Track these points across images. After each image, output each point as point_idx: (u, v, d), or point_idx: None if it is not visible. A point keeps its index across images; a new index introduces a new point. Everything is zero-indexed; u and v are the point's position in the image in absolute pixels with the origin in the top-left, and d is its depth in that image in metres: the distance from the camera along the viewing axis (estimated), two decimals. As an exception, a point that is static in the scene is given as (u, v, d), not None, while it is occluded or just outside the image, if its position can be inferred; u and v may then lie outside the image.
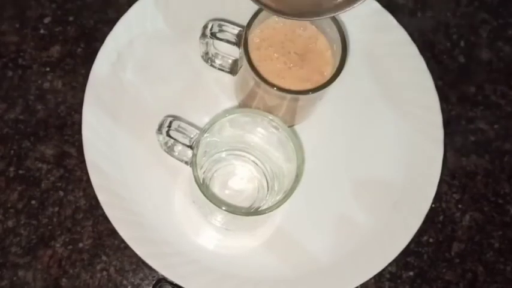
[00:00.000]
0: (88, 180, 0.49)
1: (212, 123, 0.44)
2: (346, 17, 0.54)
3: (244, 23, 0.47)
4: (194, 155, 0.44)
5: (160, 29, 0.55)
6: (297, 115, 0.53)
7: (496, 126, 0.57)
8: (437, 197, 0.53)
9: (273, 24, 0.49)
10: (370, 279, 0.49)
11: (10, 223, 0.50)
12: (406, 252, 0.50)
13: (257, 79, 0.46)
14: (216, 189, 0.51)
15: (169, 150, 0.48)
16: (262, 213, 0.43)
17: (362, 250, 0.50)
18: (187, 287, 0.48)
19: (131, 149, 0.52)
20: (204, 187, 0.43)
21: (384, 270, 0.50)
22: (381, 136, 0.55)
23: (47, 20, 0.56)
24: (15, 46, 0.55)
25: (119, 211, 0.49)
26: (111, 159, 0.51)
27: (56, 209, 0.51)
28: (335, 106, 0.55)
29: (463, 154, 0.56)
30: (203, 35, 0.49)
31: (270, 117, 0.45)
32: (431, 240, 0.53)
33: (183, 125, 0.46)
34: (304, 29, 0.49)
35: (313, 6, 0.43)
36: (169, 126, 0.46)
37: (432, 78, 0.55)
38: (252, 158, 0.50)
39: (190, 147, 0.46)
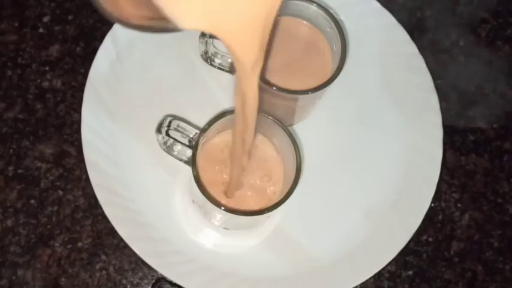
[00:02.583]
0: (87, 179, 0.49)
1: (212, 123, 0.44)
2: (346, 16, 0.54)
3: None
4: (193, 155, 0.43)
5: (159, 28, 0.55)
6: (296, 114, 0.53)
7: (495, 125, 0.57)
8: (437, 196, 0.53)
9: None
10: (370, 278, 0.49)
11: (9, 222, 0.50)
12: (405, 251, 0.50)
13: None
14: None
15: (169, 149, 0.48)
16: (262, 213, 0.43)
17: (361, 249, 0.50)
18: (187, 286, 0.48)
19: (130, 148, 0.52)
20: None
21: (383, 269, 0.50)
22: (380, 135, 0.55)
23: (46, 19, 0.56)
24: (15, 45, 0.55)
25: (118, 210, 0.49)
26: (110, 159, 0.51)
27: (55, 208, 0.51)
28: (334, 106, 0.55)
29: (462, 153, 0.56)
30: (202, 34, 0.49)
31: (269, 117, 0.45)
32: (430, 239, 0.53)
33: (182, 124, 0.46)
34: (303, 29, 0.49)
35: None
36: (168, 126, 0.46)
37: (432, 77, 0.55)
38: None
39: (190, 146, 0.46)
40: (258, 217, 0.44)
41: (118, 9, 0.29)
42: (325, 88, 0.46)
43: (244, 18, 0.31)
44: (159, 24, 0.30)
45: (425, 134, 0.54)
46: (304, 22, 0.50)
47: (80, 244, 0.50)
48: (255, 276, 0.49)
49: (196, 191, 0.43)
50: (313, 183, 0.51)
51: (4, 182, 0.51)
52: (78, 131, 0.51)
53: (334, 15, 0.48)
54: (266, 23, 0.33)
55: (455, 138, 0.57)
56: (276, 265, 0.50)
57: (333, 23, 0.47)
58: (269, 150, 0.47)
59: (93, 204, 0.50)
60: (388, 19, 0.57)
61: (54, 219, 0.50)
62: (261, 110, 0.42)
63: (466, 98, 0.58)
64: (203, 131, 0.44)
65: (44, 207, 0.51)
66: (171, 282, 0.49)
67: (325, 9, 0.48)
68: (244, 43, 0.33)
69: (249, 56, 0.34)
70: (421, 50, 0.56)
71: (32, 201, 0.51)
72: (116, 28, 0.53)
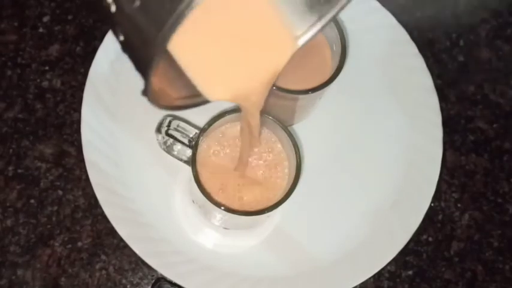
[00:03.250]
0: (87, 179, 0.49)
1: (212, 123, 0.44)
2: (346, 16, 0.54)
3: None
4: (193, 154, 0.43)
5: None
6: (296, 114, 0.53)
7: (495, 125, 0.57)
8: (437, 196, 0.53)
9: None
10: (369, 278, 0.49)
11: (9, 222, 0.50)
12: (405, 251, 0.50)
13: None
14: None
15: (169, 149, 0.48)
16: (261, 213, 0.43)
17: (361, 249, 0.50)
18: (186, 286, 0.48)
19: (130, 148, 0.52)
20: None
21: (383, 269, 0.50)
22: (380, 135, 0.55)
23: (46, 19, 0.56)
24: (14, 45, 0.55)
25: (118, 210, 0.49)
26: (110, 158, 0.51)
27: (55, 208, 0.51)
28: (334, 105, 0.55)
29: (462, 153, 0.56)
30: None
31: (269, 117, 0.45)
32: (430, 239, 0.53)
33: (182, 124, 0.46)
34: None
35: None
36: (168, 126, 0.46)
37: (431, 77, 0.55)
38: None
39: (190, 146, 0.46)
40: (258, 217, 0.44)
41: (164, 98, 0.36)
42: (325, 88, 0.46)
43: (258, 87, 0.39)
44: (193, 101, 0.38)
45: (425, 134, 0.54)
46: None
47: (79, 244, 0.50)
48: (255, 276, 0.49)
49: (196, 191, 0.43)
50: (313, 183, 0.51)
51: (4, 182, 0.51)
52: (78, 130, 0.51)
53: (334, 15, 0.48)
54: (272, 80, 0.40)
55: (455, 138, 0.57)
56: (276, 265, 0.50)
57: (333, 23, 0.47)
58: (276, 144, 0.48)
59: (93, 204, 0.50)
60: (388, 19, 0.57)
61: (54, 219, 0.50)
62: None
63: (466, 98, 0.58)
64: (203, 130, 0.44)
65: (43, 207, 0.51)
66: (171, 282, 0.49)
67: (325, 9, 0.48)
68: (255, 101, 0.40)
69: (257, 106, 0.41)
70: (421, 50, 0.56)
71: (32, 201, 0.51)
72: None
